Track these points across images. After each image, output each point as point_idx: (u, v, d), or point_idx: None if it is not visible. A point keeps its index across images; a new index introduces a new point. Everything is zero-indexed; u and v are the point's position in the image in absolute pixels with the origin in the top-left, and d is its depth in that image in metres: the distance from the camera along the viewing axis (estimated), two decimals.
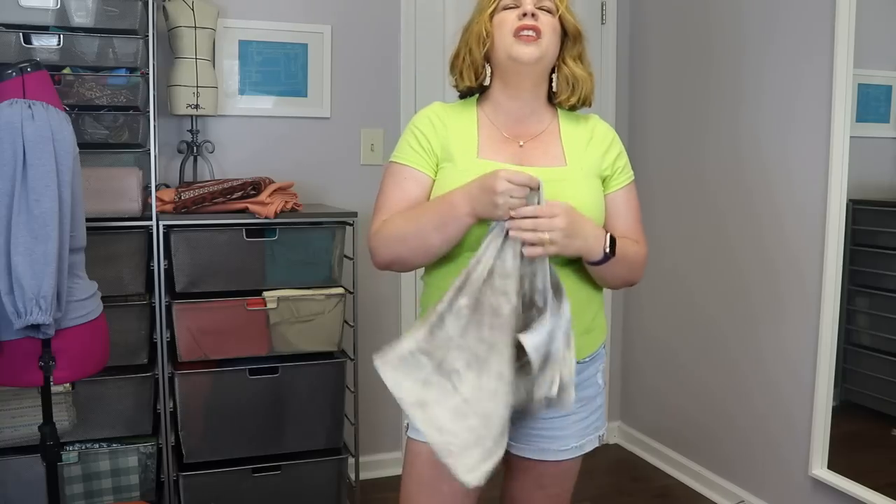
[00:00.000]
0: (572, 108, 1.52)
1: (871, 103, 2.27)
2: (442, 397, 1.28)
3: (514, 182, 1.26)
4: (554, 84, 1.48)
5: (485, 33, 1.42)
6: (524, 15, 1.39)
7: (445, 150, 1.45)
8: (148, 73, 2.29)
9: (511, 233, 1.27)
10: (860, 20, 2.19)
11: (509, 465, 1.57)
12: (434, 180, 1.46)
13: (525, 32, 1.39)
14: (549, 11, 1.42)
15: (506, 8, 1.42)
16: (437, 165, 1.46)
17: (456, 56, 1.50)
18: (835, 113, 2.26)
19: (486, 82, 1.47)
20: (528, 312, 1.30)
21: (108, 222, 2.24)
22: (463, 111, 1.50)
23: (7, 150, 1.66)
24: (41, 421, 1.90)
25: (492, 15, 1.43)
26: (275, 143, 2.86)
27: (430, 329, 1.30)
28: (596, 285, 1.50)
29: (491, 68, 1.46)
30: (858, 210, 2.28)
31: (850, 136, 2.25)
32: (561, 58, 1.46)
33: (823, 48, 2.30)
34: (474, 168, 1.41)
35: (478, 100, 1.52)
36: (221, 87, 2.75)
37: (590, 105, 1.52)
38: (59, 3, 2.20)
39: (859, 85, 2.24)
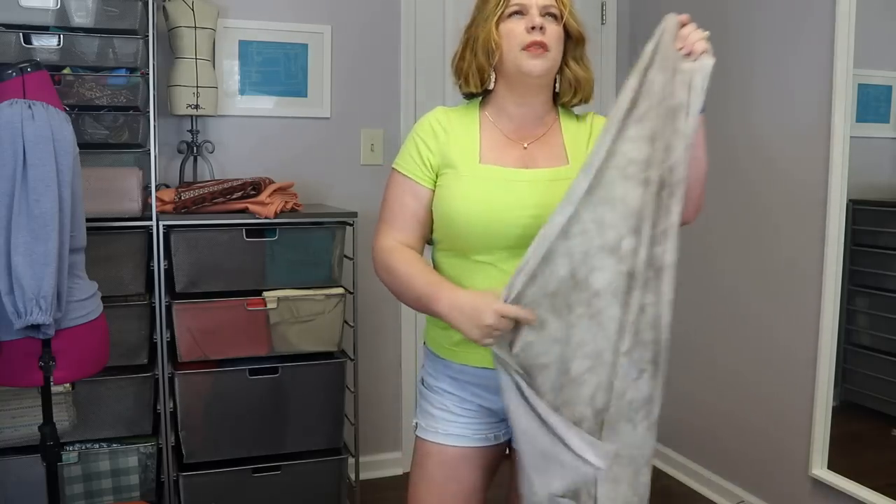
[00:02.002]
0: (572, 106, 1.53)
1: (871, 103, 2.27)
2: None
3: (506, 315, 1.27)
4: (557, 86, 1.48)
5: (493, 45, 1.41)
6: (532, 28, 1.39)
7: (446, 156, 1.45)
8: (148, 73, 2.29)
9: (697, 48, 1.30)
10: (860, 20, 2.19)
11: (516, 464, 1.57)
12: (433, 191, 1.47)
13: (534, 48, 1.39)
14: (554, 17, 1.42)
15: (511, 15, 1.41)
16: (437, 175, 1.47)
17: (461, 59, 1.48)
18: (835, 113, 2.26)
19: (491, 87, 1.47)
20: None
21: (108, 222, 2.24)
22: (465, 115, 1.50)
23: (7, 150, 1.66)
24: (41, 421, 1.90)
25: (497, 22, 1.42)
26: (275, 143, 2.86)
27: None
28: None
29: (496, 74, 1.46)
30: (858, 210, 2.28)
31: (850, 136, 2.25)
32: (564, 60, 1.46)
33: (823, 48, 2.30)
34: (476, 173, 1.42)
35: (481, 102, 1.52)
36: (221, 87, 2.75)
37: (589, 100, 1.53)
38: (59, 3, 2.20)
39: (859, 85, 2.24)
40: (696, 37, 1.32)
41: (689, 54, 1.31)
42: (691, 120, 1.29)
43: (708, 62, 1.31)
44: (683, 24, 1.34)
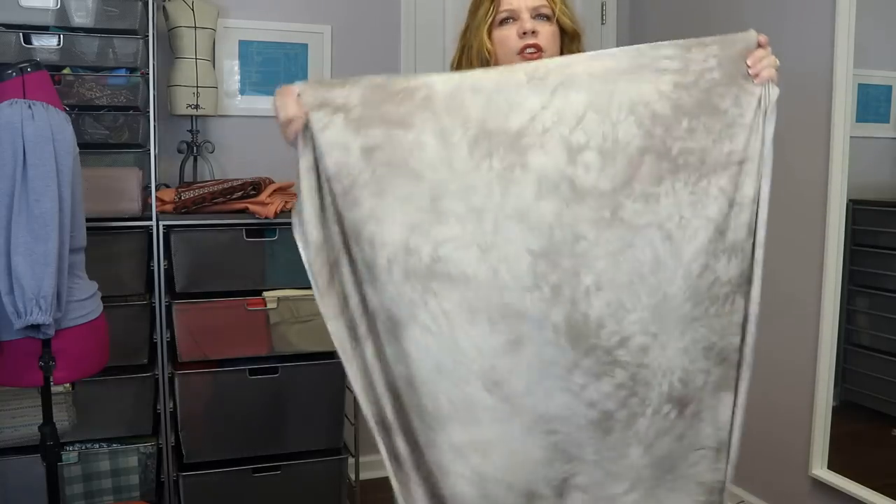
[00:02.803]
0: None
1: (871, 103, 2.27)
2: None
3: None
4: None
5: (486, 53, 1.41)
6: (524, 34, 1.39)
7: None
8: (148, 73, 2.29)
9: (764, 74, 1.33)
10: (860, 20, 2.19)
11: None
12: None
13: (529, 51, 1.39)
14: (546, 17, 1.42)
15: (503, 22, 1.41)
16: None
17: (458, 65, 1.49)
18: (835, 113, 2.26)
19: None
20: None
21: (108, 222, 2.24)
22: None
23: (7, 150, 1.66)
24: (41, 421, 1.90)
25: (489, 30, 1.42)
26: (275, 143, 2.83)
27: None
28: None
29: None
30: (858, 210, 2.28)
31: (850, 136, 2.25)
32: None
33: (823, 48, 2.30)
34: None
35: None
36: (221, 87, 2.74)
37: None
38: (59, 3, 2.20)
39: (859, 85, 2.24)
40: (767, 62, 1.32)
41: (755, 75, 1.32)
42: (767, 146, 1.35)
43: (774, 92, 1.33)
44: (760, 45, 1.33)
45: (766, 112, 1.32)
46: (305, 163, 1.22)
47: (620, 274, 1.24)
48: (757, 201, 1.31)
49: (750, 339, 1.34)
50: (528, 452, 1.27)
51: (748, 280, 1.32)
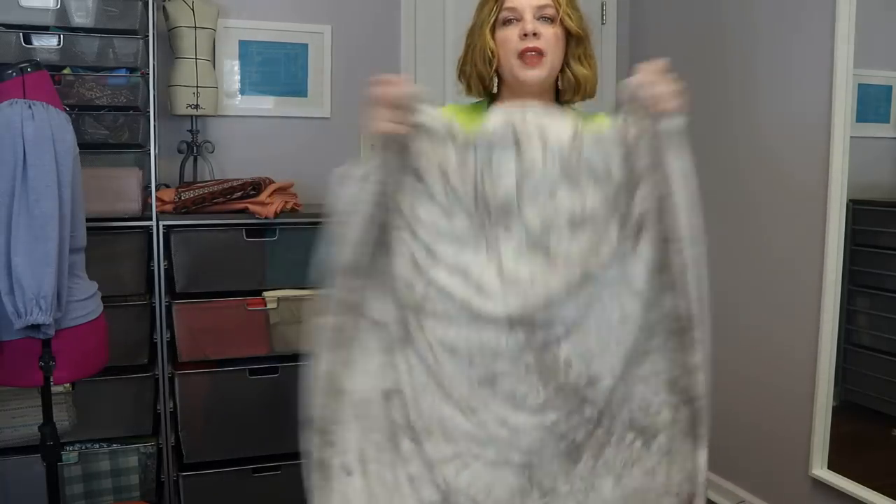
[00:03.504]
0: (575, 104, 1.52)
1: (871, 103, 2.27)
2: None
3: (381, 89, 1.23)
4: (560, 84, 1.48)
5: (489, 53, 1.41)
6: (525, 35, 1.38)
7: None
8: (148, 73, 2.29)
9: (648, 103, 1.25)
10: (860, 20, 2.19)
11: None
12: None
13: (529, 54, 1.38)
14: (550, 19, 1.40)
15: (506, 21, 1.40)
16: None
17: (463, 64, 1.48)
18: (835, 113, 2.26)
19: (495, 90, 1.48)
20: None
21: (108, 222, 2.24)
22: (474, 114, 1.50)
23: (7, 150, 1.66)
24: (41, 421, 1.90)
25: (492, 29, 1.42)
26: (275, 143, 2.85)
27: None
28: None
29: (498, 78, 1.46)
30: (858, 210, 2.28)
31: (850, 136, 2.25)
32: (565, 60, 1.45)
33: (823, 48, 2.30)
34: None
35: (488, 103, 1.52)
36: (221, 87, 2.74)
37: (592, 97, 1.52)
38: (59, 3, 2.20)
39: (859, 85, 2.24)
40: (661, 90, 1.24)
41: (652, 106, 1.25)
42: (676, 179, 1.31)
43: (674, 121, 1.29)
44: (644, 80, 1.24)
45: (660, 146, 1.30)
46: (376, 188, 1.32)
47: (589, 324, 1.31)
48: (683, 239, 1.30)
49: (700, 387, 1.32)
50: (504, 478, 1.33)
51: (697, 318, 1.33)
